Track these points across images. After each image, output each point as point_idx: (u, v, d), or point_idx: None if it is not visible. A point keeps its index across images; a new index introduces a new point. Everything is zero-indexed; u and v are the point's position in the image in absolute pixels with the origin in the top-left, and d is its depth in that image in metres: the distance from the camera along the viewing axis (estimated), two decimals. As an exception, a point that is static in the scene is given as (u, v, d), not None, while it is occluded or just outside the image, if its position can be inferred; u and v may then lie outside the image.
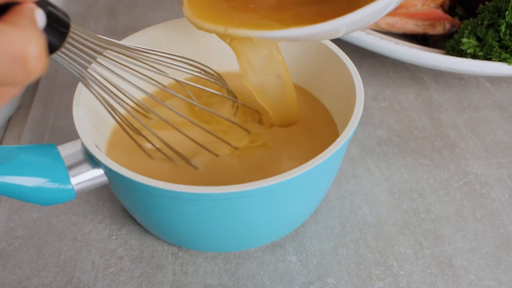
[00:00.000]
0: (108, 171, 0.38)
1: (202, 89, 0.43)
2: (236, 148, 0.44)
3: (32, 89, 0.59)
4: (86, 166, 0.38)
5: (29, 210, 0.46)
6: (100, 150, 0.41)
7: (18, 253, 0.43)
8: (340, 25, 0.33)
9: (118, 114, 0.40)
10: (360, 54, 0.62)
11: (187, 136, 0.42)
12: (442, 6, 0.60)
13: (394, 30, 0.60)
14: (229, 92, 0.46)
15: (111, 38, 0.39)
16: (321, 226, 0.45)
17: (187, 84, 0.42)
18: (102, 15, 0.71)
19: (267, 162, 0.44)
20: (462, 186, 0.48)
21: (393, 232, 0.45)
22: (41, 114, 0.56)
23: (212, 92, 0.44)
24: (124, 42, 0.47)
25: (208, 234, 0.41)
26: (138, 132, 0.41)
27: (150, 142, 0.42)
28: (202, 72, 0.44)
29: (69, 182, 0.38)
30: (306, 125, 0.47)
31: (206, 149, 0.42)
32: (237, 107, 0.47)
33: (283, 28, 0.34)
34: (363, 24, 0.36)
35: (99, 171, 0.39)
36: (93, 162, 0.38)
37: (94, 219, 0.46)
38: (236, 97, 0.47)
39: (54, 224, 0.45)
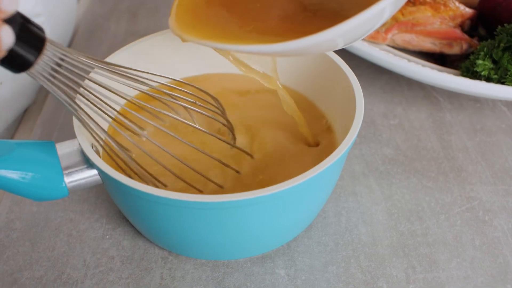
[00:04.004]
0: (101, 173, 0.38)
1: (210, 117, 0.42)
2: (238, 172, 0.43)
3: (48, 85, 0.61)
4: (81, 165, 0.39)
5: (29, 203, 0.47)
6: (97, 149, 0.42)
7: (14, 245, 0.44)
8: (334, 36, 0.33)
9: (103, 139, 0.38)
10: (375, 69, 0.62)
11: (189, 167, 0.40)
12: (461, 26, 0.59)
13: (410, 47, 0.59)
14: (226, 122, 0.44)
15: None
16: (314, 242, 0.45)
17: (192, 109, 0.41)
18: (124, 17, 0.72)
19: (265, 173, 0.44)
20: (464, 212, 0.47)
21: (386, 253, 0.44)
22: (53, 110, 0.57)
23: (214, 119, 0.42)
24: (131, 45, 0.47)
25: (197, 241, 0.41)
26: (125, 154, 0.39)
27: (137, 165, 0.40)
28: (197, 103, 0.42)
29: (63, 180, 0.39)
30: (309, 141, 0.47)
31: (209, 179, 0.41)
32: (235, 138, 0.45)
33: (277, 42, 0.34)
34: (360, 34, 0.35)
35: (93, 171, 0.39)
36: (88, 162, 0.39)
37: (91, 218, 0.46)
38: (232, 127, 0.44)
39: (52, 219, 0.46)
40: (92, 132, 0.38)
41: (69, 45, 0.67)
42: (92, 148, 0.40)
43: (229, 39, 0.37)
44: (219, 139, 0.42)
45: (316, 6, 0.39)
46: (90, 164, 0.39)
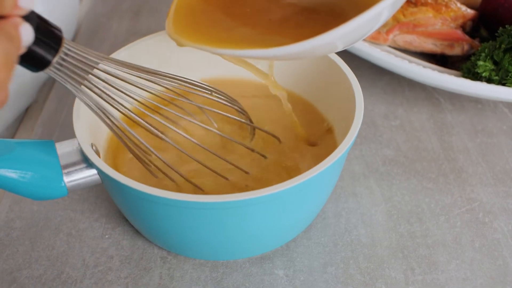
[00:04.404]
0: (100, 173, 0.39)
1: (220, 113, 0.42)
2: (247, 173, 0.43)
3: (49, 83, 0.61)
4: (80, 165, 0.39)
5: (30, 202, 0.47)
6: (97, 149, 0.42)
7: (13, 243, 0.44)
8: (332, 39, 0.33)
9: (119, 130, 0.38)
10: (376, 70, 0.61)
11: (197, 161, 0.40)
12: (463, 27, 0.59)
13: (412, 48, 0.59)
14: (244, 114, 0.44)
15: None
16: (313, 242, 0.45)
17: (205, 108, 0.41)
18: (126, 16, 0.72)
19: (264, 174, 0.44)
20: (464, 213, 0.47)
21: (385, 254, 0.44)
22: (54, 109, 0.57)
23: (227, 116, 0.42)
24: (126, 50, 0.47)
25: (196, 241, 0.41)
26: (140, 151, 0.40)
27: (151, 163, 0.40)
28: (213, 94, 0.42)
29: (62, 180, 0.39)
30: (308, 139, 0.47)
31: (216, 173, 0.41)
32: (254, 131, 0.45)
33: (275, 46, 0.34)
34: (359, 36, 0.36)
35: (93, 171, 0.39)
36: (88, 161, 0.39)
37: (91, 217, 0.46)
38: (251, 120, 0.45)
39: (52, 218, 0.46)
40: (111, 127, 0.38)
41: (71, 45, 0.67)
42: (92, 147, 0.40)
43: (227, 43, 0.37)
44: (237, 142, 0.42)
45: (313, 10, 0.39)
46: (89, 164, 0.39)
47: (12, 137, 0.56)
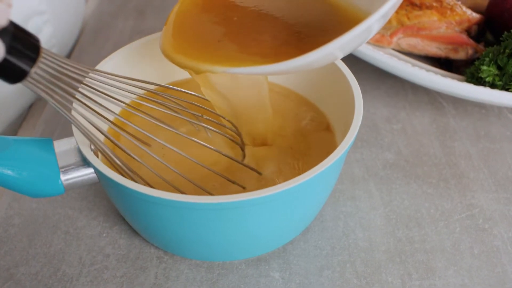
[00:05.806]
0: (97, 172, 0.39)
1: (213, 130, 0.41)
2: (244, 188, 0.42)
3: (53, 82, 0.61)
4: (77, 163, 0.39)
5: (29, 200, 0.47)
6: (96, 148, 0.42)
7: (12, 240, 0.45)
8: (331, 51, 0.33)
9: (101, 143, 0.38)
10: (380, 73, 0.61)
11: (188, 180, 0.40)
12: (468, 31, 0.58)
13: (416, 51, 0.58)
14: (236, 134, 0.44)
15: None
16: (310, 245, 0.44)
17: (202, 126, 0.41)
18: (131, 16, 0.72)
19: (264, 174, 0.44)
20: (464, 219, 0.46)
21: (383, 259, 0.43)
22: (57, 107, 0.57)
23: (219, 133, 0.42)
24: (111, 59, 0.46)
25: (192, 242, 0.41)
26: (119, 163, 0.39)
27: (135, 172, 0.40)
28: (204, 117, 0.42)
29: (59, 178, 0.39)
30: (308, 140, 0.47)
31: (206, 191, 0.40)
32: (244, 153, 0.45)
33: (270, 63, 0.34)
34: (355, 45, 0.36)
35: (90, 170, 0.39)
36: (85, 160, 0.39)
37: (89, 215, 0.47)
38: (242, 141, 0.44)
39: (50, 216, 0.46)
40: (92, 139, 0.38)
41: (75, 43, 0.67)
42: (90, 146, 0.40)
43: (230, 62, 0.37)
44: (225, 156, 0.42)
45: (306, 28, 0.40)
46: (86, 163, 0.39)
47: (14, 135, 0.57)
